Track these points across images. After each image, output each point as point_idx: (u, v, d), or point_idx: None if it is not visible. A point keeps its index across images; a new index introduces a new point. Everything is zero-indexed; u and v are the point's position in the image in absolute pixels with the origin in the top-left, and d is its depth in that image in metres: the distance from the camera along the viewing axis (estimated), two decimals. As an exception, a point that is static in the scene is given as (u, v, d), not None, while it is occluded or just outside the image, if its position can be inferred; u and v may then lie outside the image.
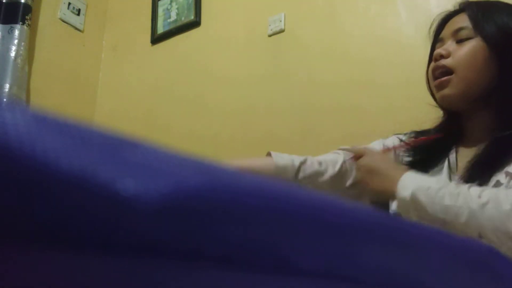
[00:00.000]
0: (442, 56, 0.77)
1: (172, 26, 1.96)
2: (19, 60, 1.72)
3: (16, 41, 1.73)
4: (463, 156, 0.81)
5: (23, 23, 1.77)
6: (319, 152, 1.05)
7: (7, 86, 1.67)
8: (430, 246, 0.27)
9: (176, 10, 1.97)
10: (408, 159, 0.87)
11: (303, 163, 0.88)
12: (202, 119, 1.77)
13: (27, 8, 1.80)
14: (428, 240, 0.28)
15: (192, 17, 1.90)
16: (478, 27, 0.75)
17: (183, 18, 1.94)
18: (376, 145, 0.95)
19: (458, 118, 0.85)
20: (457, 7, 0.84)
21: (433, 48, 0.85)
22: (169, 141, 1.78)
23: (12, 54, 1.71)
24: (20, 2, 1.78)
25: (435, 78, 0.78)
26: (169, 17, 1.99)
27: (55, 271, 0.15)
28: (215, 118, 1.73)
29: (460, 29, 0.77)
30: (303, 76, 1.56)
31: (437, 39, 0.84)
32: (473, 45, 0.75)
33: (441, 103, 0.81)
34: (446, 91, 0.76)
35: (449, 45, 0.78)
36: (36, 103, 1.82)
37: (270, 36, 1.67)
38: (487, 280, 0.32)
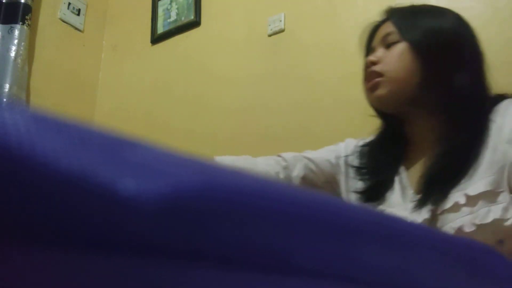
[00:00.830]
0: (373, 63, 0.79)
1: (172, 26, 1.96)
2: (19, 60, 1.72)
3: (16, 41, 1.73)
4: (414, 169, 0.80)
5: (23, 23, 1.77)
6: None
7: (7, 86, 1.67)
8: (428, 246, 0.27)
9: (176, 10, 1.97)
10: (362, 186, 0.85)
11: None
12: (202, 118, 1.77)
13: (27, 8, 1.80)
14: (426, 240, 0.28)
15: (192, 17, 1.90)
16: (402, 30, 0.77)
17: (183, 18, 1.94)
18: (330, 150, 0.95)
19: (400, 124, 0.84)
20: (383, 16, 0.85)
21: (366, 57, 0.86)
22: (168, 141, 1.78)
23: (12, 54, 1.71)
24: (20, 2, 1.78)
25: (367, 83, 0.80)
26: (169, 17, 1.99)
27: (55, 271, 0.15)
28: (215, 117, 1.73)
29: (387, 34, 0.80)
30: (302, 76, 1.56)
31: (368, 49, 0.86)
32: (400, 48, 0.77)
33: (374, 105, 0.81)
34: (377, 92, 0.77)
35: (379, 51, 0.80)
36: (36, 103, 1.82)
37: (270, 36, 1.67)
38: (485, 280, 0.32)
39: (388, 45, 0.79)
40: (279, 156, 0.96)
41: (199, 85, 1.82)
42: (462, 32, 0.79)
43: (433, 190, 0.72)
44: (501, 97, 0.77)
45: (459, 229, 0.64)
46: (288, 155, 0.95)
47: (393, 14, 0.82)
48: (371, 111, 0.89)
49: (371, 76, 0.78)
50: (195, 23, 1.89)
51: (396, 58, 0.76)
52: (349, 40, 1.50)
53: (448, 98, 0.75)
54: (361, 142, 0.93)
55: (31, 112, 0.16)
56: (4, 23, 1.76)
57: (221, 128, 1.70)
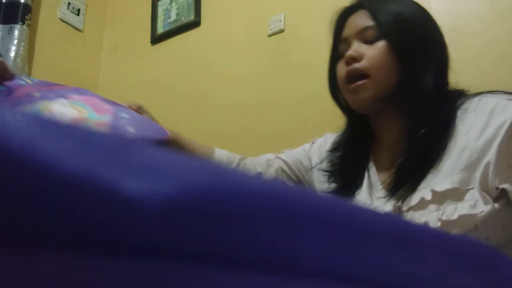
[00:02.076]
0: (354, 59, 0.75)
1: (172, 26, 1.96)
2: (18, 60, 1.72)
3: (15, 41, 1.73)
4: (382, 165, 0.80)
5: (23, 23, 1.77)
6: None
7: (7, 86, 1.67)
8: (433, 246, 0.27)
9: (176, 10, 1.97)
10: (333, 185, 0.85)
11: (242, 159, 0.94)
12: (202, 119, 1.77)
13: (27, 8, 1.80)
14: (430, 240, 0.28)
15: (192, 17, 1.90)
16: (382, 28, 0.74)
17: (183, 18, 1.94)
18: (303, 150, 0.98)
19: (367, 121, 0.83)
20: (354, 2, 0.82)
21: (335, 46, 0.84)
22: (169, 141, 1.78)
23: (12, 54, 1.71)
24: (20, 2, 1.78)
25: (349, 82, 0.76)
26: (169, 17, 1.99)
27: (58, 273, 0.15)
28: (215, 118, 1.73)
29: (366, 29, 0.76)
30: (303, 76, 1.56)
31: (339, 37, 0.82)
32: (382, 46, 0.74)
33: (356, 107, 0.78)
34: (362, 94, 0.75)
35: (358, 46, 0.76)
36: (36, 103, 1.82)
37: (270, 36, 1.67)
38: (489, 280, 0.31)
39: (366, 41, 0.76)
40: (257, 158, 0.99)
41: (199, 85, 1.82)
42: (430, 25, 0.79)
43: (400, 185, 0.71)
44: (460, 93, 0.77)
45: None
46: (263, 158, 0.98)
47: (367, 4, 0.79)
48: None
49: (353, 74, 0.75)
50: (195, 23, 1.89)
51: (380, 56, 0.73)
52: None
53: (417, 96, 0.73)
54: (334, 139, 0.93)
55: (33, 113, 0.16)
56: (4, 23, 1.76)
57: (221, 129, 1.70)
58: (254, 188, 0.18)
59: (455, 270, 0.29)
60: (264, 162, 0.96)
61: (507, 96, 0.71)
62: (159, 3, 2.04)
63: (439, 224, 0.63)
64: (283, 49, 1.63)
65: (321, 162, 0.91)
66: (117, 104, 0.74)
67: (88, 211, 0.14)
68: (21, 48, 1.74)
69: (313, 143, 0.99)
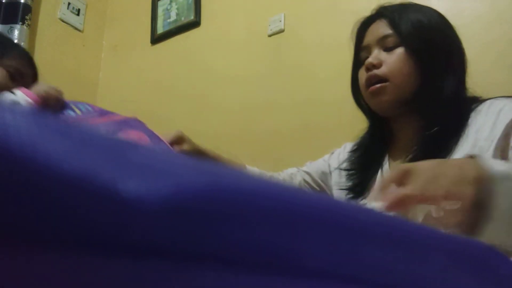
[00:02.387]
0: (374, 66, 0.79)
1: (172, 26, 1.97)
2: (19, 60, 1.72)
3: (15, 41, 1.73)
4: (397, 163, 0.82)
5: (23, 23, 1.77)
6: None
7: (7, 86, 1.67)
8: (433, 246, 0.27)
9: (176, 10, 1.97)
10: (349, 183, 0.88)
11: (271, 176, 1.01)
12: (202, 119, 1.77)
13: (27, 8, 1.80)
14: (430, 240, 0.28)
15: (192, 17, 1.90)
16: (402, 35, 0.78)
17: (183, 18, 1.94)
18: (324, 160, 1.02)
19: (387, 123, 0.87)
20: (374, 12, 0.86)
21: (357, 53, 0.88)
22: (169, 141, 1.78)
23: (12, 54, 1.71)
24: (20, 2, 1.78)
25: (369, 85, 0.80)
26: (169, 17, 1.99)
27: (57, 273, 0.15)
28: (215, 118, 1.73)
29: (385, 37, 0.79)
30: (303, 76, 1.56)
31: (360, 45, 0.86)
32: (401, 52, 0.77)
33: (377, 109, 0.82)
34: (382, 97, 0.78)
35: (378, 53, 0.79)
36: (36, 103, 1.82)
37: (270, 36, 1.67)
38: (487, 280, 0.31)
39: (386, 48, 0.79)
40: (282, 173, 1.04)
41: (199, 85, 1.82)
42: (450, 32, 0.82)
43: None
44: (476, 99, 0.79)
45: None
46: (287, 172, 1.04)
47: (386, 13, 0.82)
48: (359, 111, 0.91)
49: (373, 80, 0.78)
50: (195, 23, 1.90)
51: (399, 63, 0.76)
52: (350, 40, 1.50)
53: (436, 101, 0.76)
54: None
55: (32, 113, 0.16)
56: (4, 23, 1.76)
57: (222, 128, 1.70)
58: (253, 189, 0.18)
59: (454, 270, 0.29)
60: (287, 176, 1.02)
61: None
62: (159, 3, 2.04)
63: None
64: (283, 49, 1.63)
65: (341, 163, 0.95)
66: (156, 138, 0.76)
67: (87, 211, 0.14)
68: (21, 48, 1.74)
69: (332, 153, 1.04)
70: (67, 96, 0.94)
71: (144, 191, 0.16)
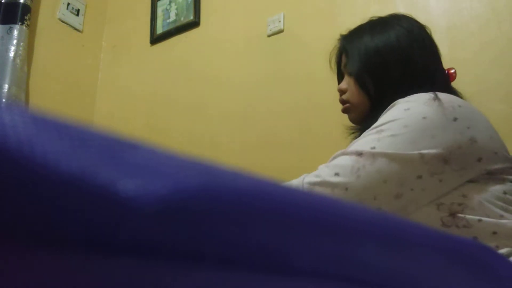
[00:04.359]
0: (341, 91, 0.93)
1: (171, 27, 1.97)
2: (18, 61, 1.72)
3: (15, 41, 1.73)
4: None
5: (22, 23, 1.77)
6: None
7: (6, 86, 1.67)
8: (429, 245, 0.27)
9: (175, 11, 1.97)
10: None
11: None
12: (201, 119, 1.77)
13: (26, 8, 1.80)
14: (426, 240, 0.28)
15: (191, 18, 1.90)
16: (348, 68, 0.91)
17: (182, 19, 1.94)
18: None
19: None
20: (337, 44, 0.99)
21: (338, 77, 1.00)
22: (168, 142, 1.78)
23: (11, 54, 1.71)
24: (19, 2, 1.78)
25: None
26: (168, 17, 1.99)
27: (54, 273, 0.15)
28: (214, 118, 1.73)
29: (345, 65, 0.93)
30: (302, 76, 1.56)
31: (339, 73, 0.99)
32: (351, 80, 0.90)
33: (351, 122, 0.96)
34: (349, 115, 0.94)
35: (345, 80, 0.92)
36: (35, 103, 1.82)
37: (269, 36, 1.67)
38: (486, 281, 0.32)
39: (349, 74, 0.92)
40: None
41: (198, 86, 1.82)
42: (407, 43, 0.86)
43: None
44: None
45: None
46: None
47: (341, 42, 0.95)
48: None
49: (342, 102, 0.93)
50: (194, 24, 1.90)
51: (351, 89, 0.90)
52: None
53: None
54: None
55: (30, 113, 0.16)
56: (3, 23, 1.76)
57: (220, 128, 1.70)
58: (248, 189, 0.18)
59: (452, 271, 0.29)
60: None
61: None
62: (159, 3, 2.04)
63: None
64: (283, 49, 1.63)
65: None
66: None
67: (85, 211, 0.14)
68: (20, 48, 1.74)
69: None
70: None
71: (142, 192, 0.16)
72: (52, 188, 0.14)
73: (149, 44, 2.04)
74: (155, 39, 2.01)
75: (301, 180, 0.72)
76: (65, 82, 1.97)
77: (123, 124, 1.98)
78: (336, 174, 0.68)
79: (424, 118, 0.68)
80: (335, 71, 1.01)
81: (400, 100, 0.74)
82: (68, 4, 2.05)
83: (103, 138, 0.17)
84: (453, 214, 0.66)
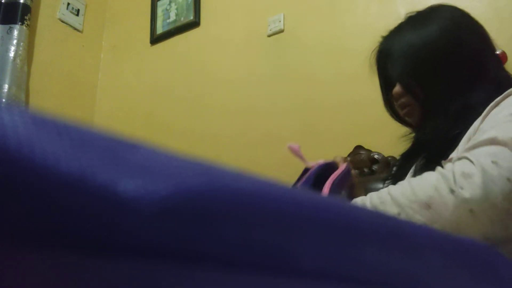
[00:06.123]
0: (399, 95, 0.89)
1: (171, 27, 1.97)
2: (18, 61, 1.72)
3: (15, 41, 1.73)
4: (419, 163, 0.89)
5: (22, 23, 1.77)
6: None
7: (6, 86, 1.67)
8: (432, 246, 0.27)
9: (176, 11, 1.97)
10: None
11: None
12: (201, 119, 1.77)
13: (26, 8, 1.80)
14: (428, 240, 0.28)
15: (191, 18, 1.90)
16: (392, 77, 0.88)
17: (182, 19, 1.94)
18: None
19: None
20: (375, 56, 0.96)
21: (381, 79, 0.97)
22: (169, 142, 1.78)
23: (11, 54, 1.71)
24: (19, 2, 1.78)
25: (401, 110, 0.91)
26: (168, 18, 1.99)
27: (54, 274, 0.15)
28: (214, 118, 1.73)
29: (393, 67, 0.89)
30: (302, 76, 1.56)
31: (383, 75, 0.95)
32: (398, 87, 0.87)
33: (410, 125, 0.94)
34: (413, 120, 0.90)
35: (397, 86, 0.88)
36: (35, 103, 1.82)
37: (269, 36, 1.67)
38: (488, 281, 0.31)
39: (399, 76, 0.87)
40: None
41: (198, 86, 1.82)
42: (455, 39, 0.84)
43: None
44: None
45: None
46: None
47: (380, 55, 0.92)
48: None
49: (402, 106, 0.89)
50: (194, 24, 1.90)
51: (408, 91, 0.85)
52: (349, 40, 1.50)
53: (444, 112, 0.80)
54: None
55: (30, 114, 0.16)
56: (3, 23, 1.76)
57: (221, 128, 1.70)
58: (250, 189, 0.18)
59: (454, 270, 0.29)
60: None
61: None
62: (159, 3, 2.04)
63: None
64: (283, 49, 1.63)
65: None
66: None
67: (85, 212, 0.14)
68: (20, 48, 1.74)
69: None
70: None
71: (143, 192, 0.16)
72: (52, 188, 0.14)
73: (149, 44, 2.04)
74: (155, 39, 2.01)
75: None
76: (65, 82, 1.97)
77: (124, 124, 1.98)
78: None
79: None
80: (376, 73, 0.97)
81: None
82: (68, 4, 2.05)
83: (103, 138, 0.17)
84: None
